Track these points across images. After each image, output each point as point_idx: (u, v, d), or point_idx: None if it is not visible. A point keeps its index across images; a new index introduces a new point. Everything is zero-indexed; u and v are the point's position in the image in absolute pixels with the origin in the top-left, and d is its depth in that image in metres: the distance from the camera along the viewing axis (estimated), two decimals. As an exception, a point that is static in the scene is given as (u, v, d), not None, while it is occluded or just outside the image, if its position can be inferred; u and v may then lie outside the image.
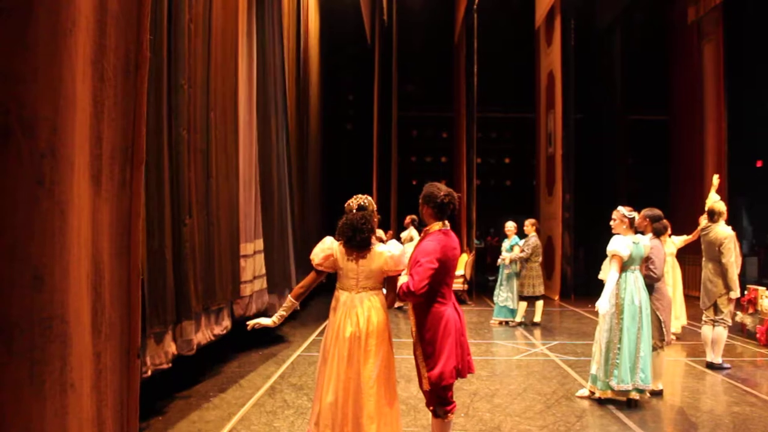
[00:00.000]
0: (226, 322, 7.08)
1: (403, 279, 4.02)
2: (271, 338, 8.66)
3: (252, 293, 7.99)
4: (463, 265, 13.40)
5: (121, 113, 1.84)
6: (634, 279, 5.85)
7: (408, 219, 12.86)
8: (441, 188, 4.18)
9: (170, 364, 5.48)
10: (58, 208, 1.51)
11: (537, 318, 10.72)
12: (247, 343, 8.02)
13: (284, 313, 4.03)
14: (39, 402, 1.47)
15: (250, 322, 4.05)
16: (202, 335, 6.31)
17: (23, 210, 1.45)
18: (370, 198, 4.16)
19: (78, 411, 1.58)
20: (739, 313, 9.59)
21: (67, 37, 1.52)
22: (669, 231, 8.04)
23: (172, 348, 5.53)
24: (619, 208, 5.99)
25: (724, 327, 7.41)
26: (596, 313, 5.88)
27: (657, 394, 6.23)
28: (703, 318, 7.55)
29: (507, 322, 10.72)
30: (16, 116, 1.41)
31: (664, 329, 6.20)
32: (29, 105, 1.44)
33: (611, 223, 5.99)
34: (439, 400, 4.15)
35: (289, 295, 4.03)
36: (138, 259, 1.91)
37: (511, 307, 10.65)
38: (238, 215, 7.42)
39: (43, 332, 1.48)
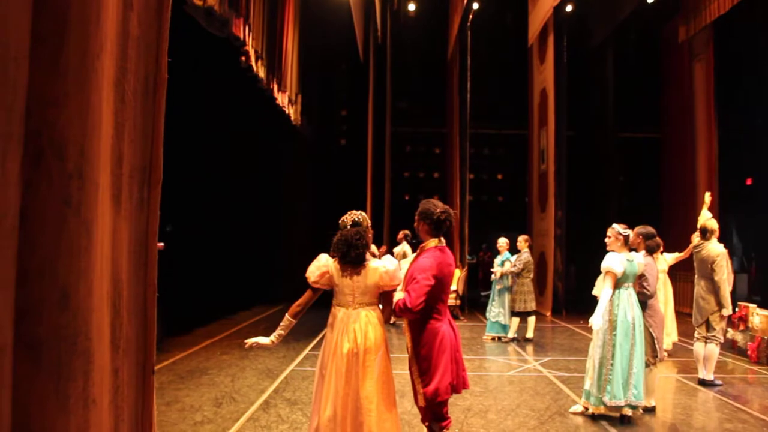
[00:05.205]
0: None
1: (399, 295, 4.03)
2: (264, 352, 8.66)
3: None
4: (456, 280, 13.41)
5: (139, 134, 1.89)
6: (628, 296, 5.91)
7: (401, 234, 12.86)
8: (437, 205, 4.22)
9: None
10: (84, 227, 1.55)
11: (529, 334, 10.75)
12: (243, 356, 8.00)
13: (282, 332, 4.02)
14: (63, 416, 1.51)
15: (248, 341, 4.01)
16: None
17: (52, 230, 1.50)
18: (364, 214, 4.17)
19: (98, 426, 1.62)
20: (730, 330, 9.66)
21: (95, 61, 1.58)
22: (661, 248, 8.11)
23: None
24: (614, 225, 6.06)
25: (716, 344, 7.47)
26: (588, 329, 5.93)
27: (649, 410, 6.28)
28: (695, 335, 7.62)
29: (499, 338, 10.75)
30: (47, 139, 1.46)
31: (656, 346, 6.24)
32: (60, 128, 1.49)
33: (606, 240, 6.05)
34: (435, 415, 4.18)
35: (286, 314, 4.03)
36: (154, 277, 1.96)
37: (503, 322, 10.69)
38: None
39: (68, 348, 1.52)
